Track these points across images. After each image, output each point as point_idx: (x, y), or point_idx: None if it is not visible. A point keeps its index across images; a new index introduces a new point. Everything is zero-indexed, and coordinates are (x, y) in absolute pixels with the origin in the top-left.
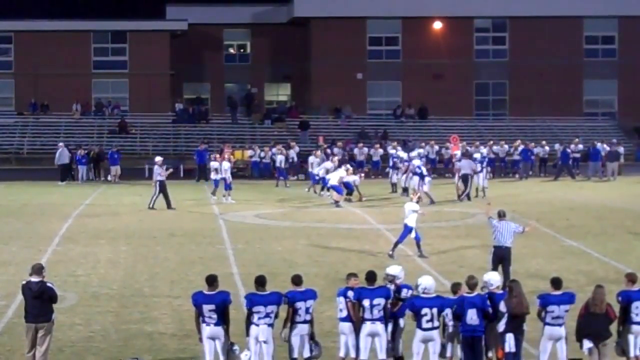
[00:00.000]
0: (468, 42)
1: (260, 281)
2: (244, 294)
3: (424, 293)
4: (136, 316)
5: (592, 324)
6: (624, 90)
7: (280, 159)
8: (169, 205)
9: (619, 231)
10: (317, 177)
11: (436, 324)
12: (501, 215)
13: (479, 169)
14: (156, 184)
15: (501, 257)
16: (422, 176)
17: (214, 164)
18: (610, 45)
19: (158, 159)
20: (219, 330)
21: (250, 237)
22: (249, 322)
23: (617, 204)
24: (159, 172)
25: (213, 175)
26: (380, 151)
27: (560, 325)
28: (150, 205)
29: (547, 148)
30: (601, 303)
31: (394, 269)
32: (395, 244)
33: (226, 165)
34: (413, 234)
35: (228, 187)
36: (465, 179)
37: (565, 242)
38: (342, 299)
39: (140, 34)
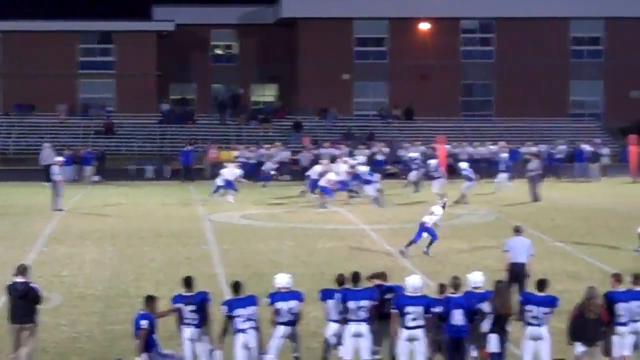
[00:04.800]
0: (455, 43)
1: (235, 287)
2: (224, 300)
3: (409, 292)
4: (121, 317)
5: (586, 328)
6: (609, 92)
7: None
8: (57, 206)
9: (604, 232)
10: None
11: (421, 322)
12: (518, 231)
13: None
14: (54, 184)
15: (517, 274)
16: (368, 182)
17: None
18: (596, 46)
19: (58, 159)
20: (200, 331)
21: (236, 237)
22: (226, 330)
23: (602, 205)
24: (57, 173)
25: (219, 182)
26: (367, 152)
27: (540, 325)
28: (57, 207)
29: (533, 149)
30: (596, 308)
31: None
32: (413, 242)
33: (237, 172)
34: (425, 234)
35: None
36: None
37: (551, 242)
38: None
39: (127, 35)
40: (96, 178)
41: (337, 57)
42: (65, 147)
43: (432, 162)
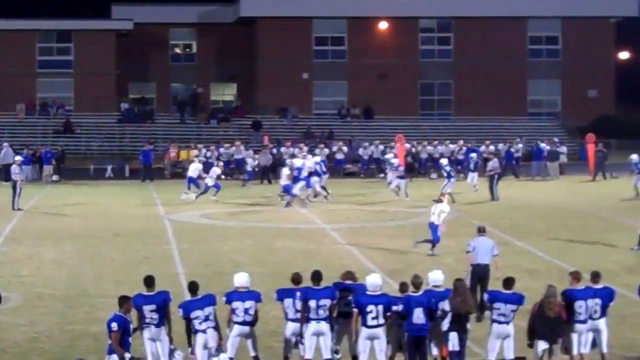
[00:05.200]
0: (413, 42)
1: (192, 288)
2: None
3: (370, 290)
4: (81, 317)
5: (547, 327)
6: (567, 90)
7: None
8: (14, 206)
9: (562, 230)
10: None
11: (381, 321)
12: (481, 231)
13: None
14: (14, 184)
15: (480, 275)
16: (318, 174)
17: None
18: (554, 45)
19: (17, 158)
20: (160, 331)
21: (196, 237)
22: (189, 331)
23: (560, 204)
24: (17, 172)
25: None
26: (326, 151)
27: (507, 323)
28: (16, 207)
29: (491, 148)
30: (555, 307)
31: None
32: (430, 242)
33: (218, 170)
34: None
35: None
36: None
37: (510, 240)
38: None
39: (86, 34)
40: (55, 177)
41: (296, 56)
42: (24, 146)
43: (394, 160)
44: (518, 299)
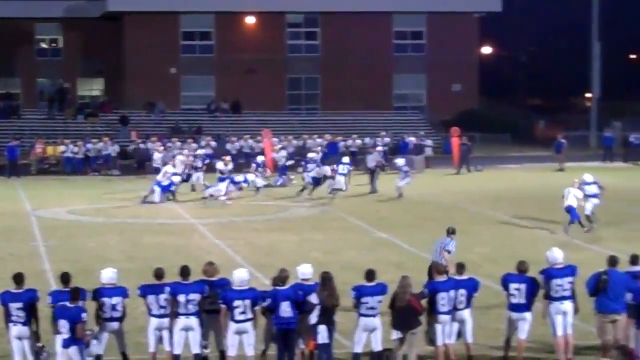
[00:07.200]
0: (280, 37)
1: (65, 279)
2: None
3: (236, 285)
4: None
5: (399, 316)
6: (432, 85)
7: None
8: None
9: (428, 223)
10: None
11: (249, 315)
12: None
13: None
14: None
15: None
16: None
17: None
18: (418, 40)
19: None
20: (27, 329)
21: (63, 233)
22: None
23: (426, 196)
24: None
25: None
26: (194, 146)
27: (374, 315)
28: None
29: (358, 141)
30: (404, 295)
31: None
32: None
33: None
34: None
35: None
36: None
37: (376, 234)
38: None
39: None
40: None
41: (163, 50)
42: None
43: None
44: (382, 289)
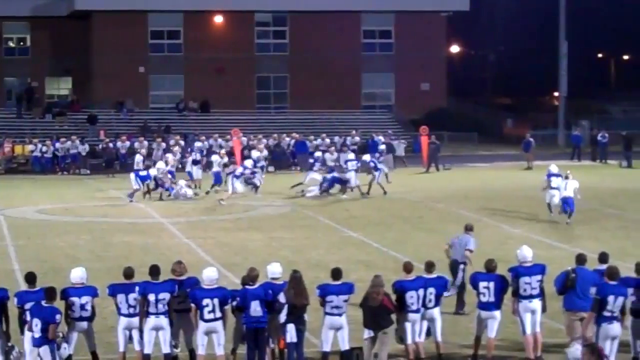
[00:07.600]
0: (249, 36)
1: (29, 279)
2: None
3: (206, 284)
4: None
5: (371, 315)
6: (400, 84)
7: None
8: None
9: (397, 221)
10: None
11: (218, 314)
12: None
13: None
14: None
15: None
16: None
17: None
18: (387, 39)
19: None
20: None
21: (32, 232)
22: (22, 321)
23: (395, 195)
24: None
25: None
26: (163, 145)
27: (340, 314)
28: None
29: (327, 140)
30: (377, 295)
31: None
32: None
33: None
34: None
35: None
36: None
37: (346, 232)
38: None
39: None
40: None
41: (132, 49)
42: None
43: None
44: (348, 289)
